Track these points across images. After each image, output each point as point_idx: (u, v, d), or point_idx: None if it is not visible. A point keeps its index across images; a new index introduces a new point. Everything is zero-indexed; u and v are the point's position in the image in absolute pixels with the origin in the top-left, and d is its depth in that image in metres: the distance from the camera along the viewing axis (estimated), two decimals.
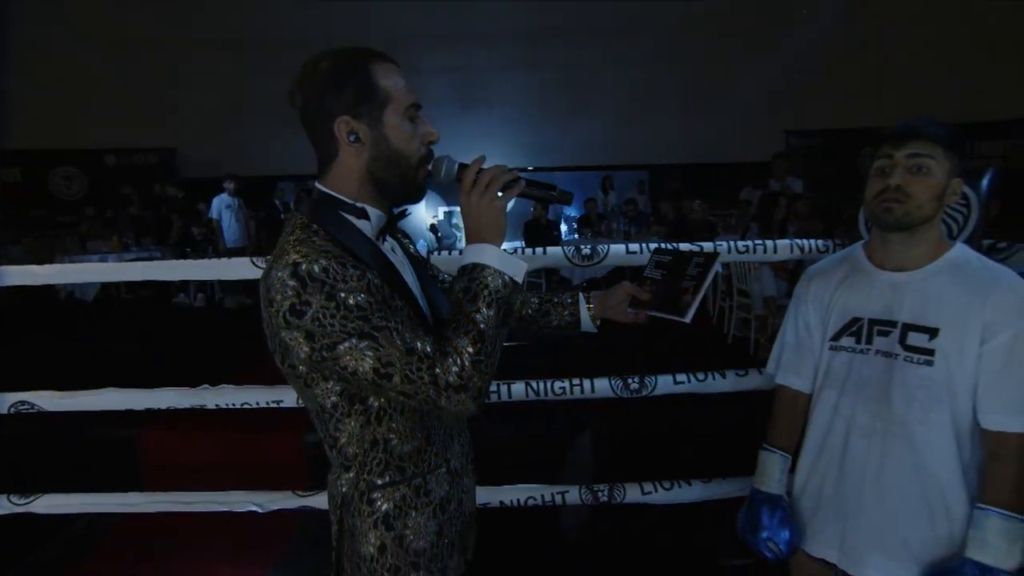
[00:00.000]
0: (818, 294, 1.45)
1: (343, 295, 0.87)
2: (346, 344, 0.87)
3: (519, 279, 0.97)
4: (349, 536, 1.03)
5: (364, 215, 1.00)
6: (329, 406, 0.98)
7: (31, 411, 1.90)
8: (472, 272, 0.94)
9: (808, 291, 1.48)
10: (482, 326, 0.91)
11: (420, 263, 1.16)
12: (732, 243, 1.79)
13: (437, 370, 0.88)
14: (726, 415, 3.05)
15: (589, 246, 1.73)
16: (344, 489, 1.03)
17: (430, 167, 1.03)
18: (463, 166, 1.01)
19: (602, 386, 1.83)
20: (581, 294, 1.32)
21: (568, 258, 1.75)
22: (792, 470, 1.52)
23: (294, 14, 9.81)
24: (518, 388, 1.83)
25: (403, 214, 1.10)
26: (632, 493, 1.91)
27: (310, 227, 0.95)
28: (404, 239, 1.18)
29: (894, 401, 1.28)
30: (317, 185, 1.01)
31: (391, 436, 1.00)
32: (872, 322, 1.33)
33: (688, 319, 1.18)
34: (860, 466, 1.33)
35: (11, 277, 1.88)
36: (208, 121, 10.39)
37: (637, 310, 1.27)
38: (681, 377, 1.84)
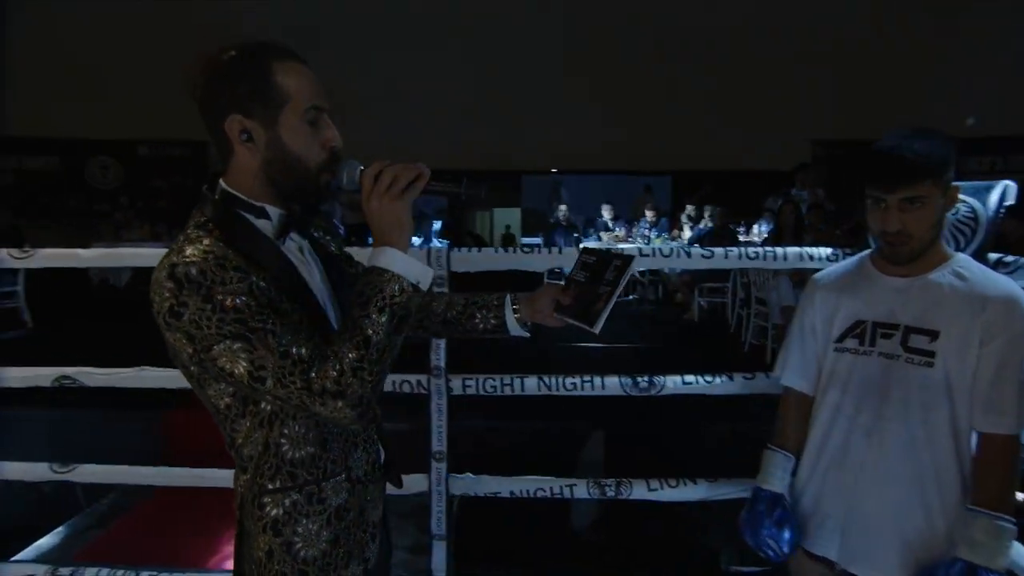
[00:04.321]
0: (824, 298, 1.50)
1: (220, 297, 0.86)
2: (221, 346, 0.86)
3: (423, 284, 0.94)
4: (245, 538, 1.03)
5: (264, 214, 0.98)
6: (223, 407, 0.97)
7: (72, 385, 2.01)
8: (369, 276, 0.91)
9: (815, 295, 1.53)
10: (368, 332, 0.87)
11: (336, 262, 1.12)
12: (742, 250, 1.84)
13: (312, 374, 0.86)
14: (734, 418, 3.09)
15: (604, 248, 1.80)
16: (241, 490, 1.02)
17: (335, 172, 0.99)
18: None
19: (612, 384, 1.89)
20: (508, 296, 1.25)
21: None
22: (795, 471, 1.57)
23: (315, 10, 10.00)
24: (531, 383, 1.90)
25: (313, 210, 1.05)
26: (639, 490, 1.96)
27: (205, 226, 0.93)
28: (325, 236, 1.14)
29: (895, 401, 1.33)
30: (220, 182, 0.98)
31: (283, 441, 0.97)
32: (876, 325, 1.38)
33: (596, 330, 1.13)
34: (860, 465, 1.38)
35: (56, 260, 2.00)
36: None
37: (560, 315, 1.21)
38: (690, 378, 1.89)
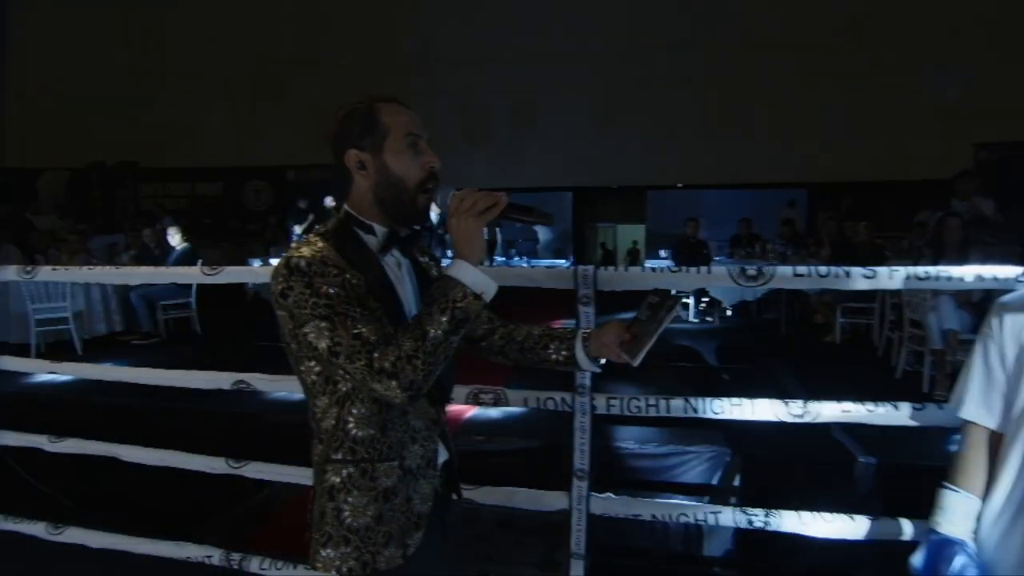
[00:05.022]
0: (1015, 323, 1.35)
1: (318, 286, 1.05)
2: (312, 324, 1.05)
3: (487, 295, 1.08)
4: (315, 498, 1.19)
5: (371, 231, 1.18)
6: (310, 383, 1.15)
7: (247, 389, 2.24)
8: (440, 282, 1.07)
9: (1003, 320, 1.37)
10: (427, 327, 1.03)
11: (430, 282, 1.24)
12: (910, 270, 1.70)
13: (375, 355, 1.02)
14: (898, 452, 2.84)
15: (756, 267, 1.73)
16: (316, 458, 1.19)
17: (431, 193, 1.16)
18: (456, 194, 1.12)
19: (763, 409, 1.81)
20: (580, 331, 1.34)
21: (733, 278, 1.76)
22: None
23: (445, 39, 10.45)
24: (676, 404, 1.86)
25: (415, 234, 1.25)
26: (789, 521, 1.85)
27: (325, 235, 1.15)
28: (430, 262, 1.32)
29: None
30: (344, 205, 1.21)
31: (349, 419, 1.13)
32: None
33: (636, 363, 1.22)
34: None
35: (239, 276, 2.24)
36: None
37: (620, 351, 1.26)
38: (848, 405, 1.76)
